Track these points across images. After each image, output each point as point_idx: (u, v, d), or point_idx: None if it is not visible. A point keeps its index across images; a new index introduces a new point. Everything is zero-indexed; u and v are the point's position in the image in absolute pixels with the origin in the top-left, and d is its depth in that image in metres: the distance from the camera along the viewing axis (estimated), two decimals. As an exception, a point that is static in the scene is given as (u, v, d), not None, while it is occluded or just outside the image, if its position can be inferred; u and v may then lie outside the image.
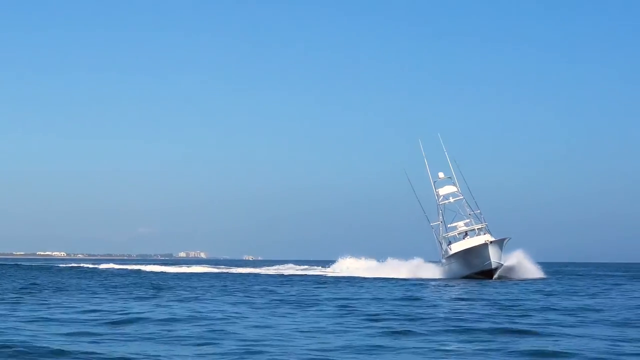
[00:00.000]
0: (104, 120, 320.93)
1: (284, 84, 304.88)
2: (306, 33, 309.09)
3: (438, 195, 69.00)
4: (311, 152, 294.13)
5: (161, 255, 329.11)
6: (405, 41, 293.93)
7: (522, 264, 65.39)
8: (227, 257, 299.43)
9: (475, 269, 63.33)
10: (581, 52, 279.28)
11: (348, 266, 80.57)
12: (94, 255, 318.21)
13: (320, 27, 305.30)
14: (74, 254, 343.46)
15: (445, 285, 51.49)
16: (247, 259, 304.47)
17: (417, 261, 73.21)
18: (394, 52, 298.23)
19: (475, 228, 66.58)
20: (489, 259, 61.88)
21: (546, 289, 44.57)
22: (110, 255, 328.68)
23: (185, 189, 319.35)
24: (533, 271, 65.55)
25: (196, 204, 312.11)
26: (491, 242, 62.27)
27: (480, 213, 67.68)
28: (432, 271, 69.69)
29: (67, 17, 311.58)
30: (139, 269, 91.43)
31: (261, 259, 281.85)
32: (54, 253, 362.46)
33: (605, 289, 46.51)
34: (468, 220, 67.39)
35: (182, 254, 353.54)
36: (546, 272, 68.10)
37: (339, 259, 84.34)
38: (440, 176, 69.56)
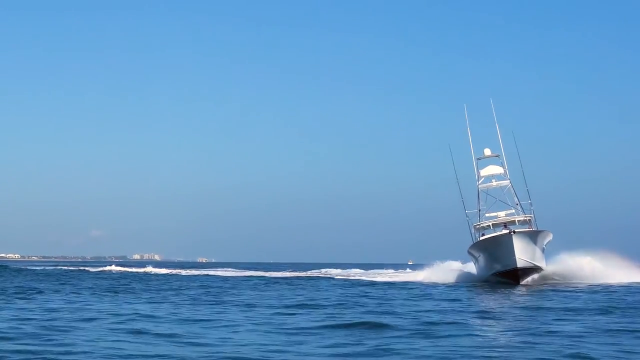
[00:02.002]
0: (51, 124, 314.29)
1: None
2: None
3: (479, 177, 57.68)
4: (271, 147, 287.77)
5: (115, 257, 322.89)
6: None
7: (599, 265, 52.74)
8: (181, 259, 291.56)
9: (497, 267, 51.00)
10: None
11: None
12: (48, 258, 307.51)
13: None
14: (29, 257, 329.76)
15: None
16: (201, 261, 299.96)
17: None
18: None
19: (517, 220, 55.30)
20: (513, 254, 48.60)
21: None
22: (65, 257, 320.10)
23: (137, 192, 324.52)
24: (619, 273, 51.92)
25: (148, 206, 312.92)
26: (517, 232, 49.08)
27: (531, 204, 56.11)
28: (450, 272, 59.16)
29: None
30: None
31: (215, 261, 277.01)
32: (7, 255, 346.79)
33: None
34: (512, 211, 56.17)
35: (137, 256, 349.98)
36: None
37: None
38: (485, 153, 58.00)
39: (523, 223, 55.29)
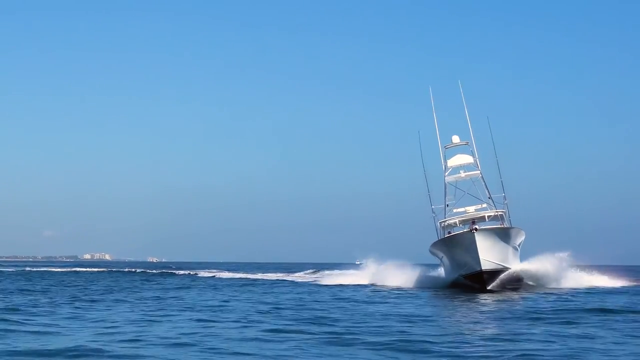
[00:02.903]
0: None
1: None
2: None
3: (446, 167, 51.11)
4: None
5: (66, 257, 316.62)
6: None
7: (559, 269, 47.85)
8: (132, 258, 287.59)
9: (461, 270, 44.91)
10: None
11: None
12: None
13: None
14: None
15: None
16: (151, 260, 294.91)
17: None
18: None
19: (487, 215, 48.81)
20: (477, 255, 42.25)
21: None
22: (16, 257, 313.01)
23: (87, 192, 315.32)
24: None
25: (98, 206, 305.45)
26: (481, 230, 42.77)
27: (505, 197, 49.85)
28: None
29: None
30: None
31: (165, 260, 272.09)
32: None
33: None
34: (483, 205, 49.76)
35: (87, 256, 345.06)
36: None
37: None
38: (454, 140, 51.52)
39: (494, 219, 49.10)
